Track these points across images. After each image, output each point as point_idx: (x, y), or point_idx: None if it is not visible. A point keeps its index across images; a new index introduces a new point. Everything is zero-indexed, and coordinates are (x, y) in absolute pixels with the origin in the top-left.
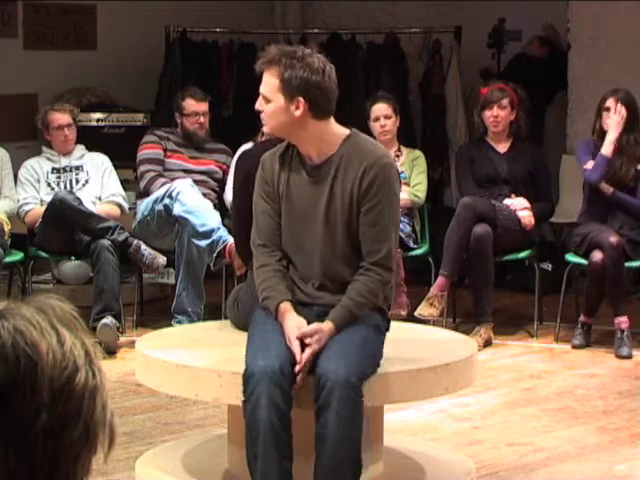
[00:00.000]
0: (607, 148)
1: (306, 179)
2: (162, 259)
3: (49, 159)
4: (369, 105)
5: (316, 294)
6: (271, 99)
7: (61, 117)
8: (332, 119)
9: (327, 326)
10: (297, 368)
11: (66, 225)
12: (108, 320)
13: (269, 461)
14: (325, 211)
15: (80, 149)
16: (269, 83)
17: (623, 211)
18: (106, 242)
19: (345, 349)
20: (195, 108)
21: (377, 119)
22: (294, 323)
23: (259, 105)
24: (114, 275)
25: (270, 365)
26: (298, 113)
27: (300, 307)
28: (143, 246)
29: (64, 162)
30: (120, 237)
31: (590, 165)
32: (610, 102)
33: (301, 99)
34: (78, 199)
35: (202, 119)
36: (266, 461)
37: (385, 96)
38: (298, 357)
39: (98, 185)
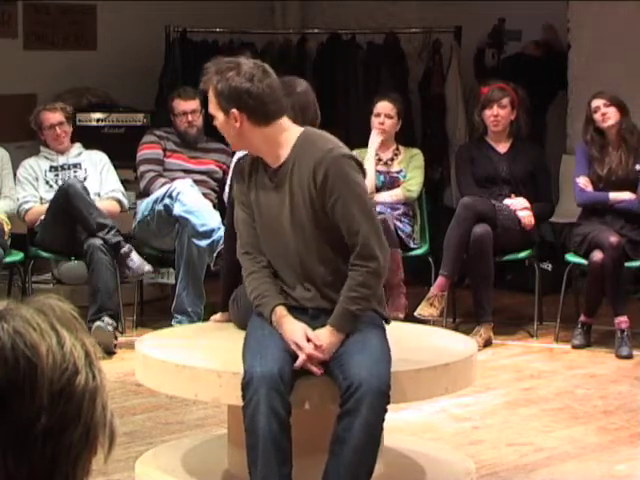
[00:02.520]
0: (617, 196)
1: (269, 185)
2: (148, 266)
3: (47, 158)
4: (375, 100)
5: (304, 296)
6: (216, 116)
7: (52, 116)
8: (283, 120)
9: (327, 333)
10: (297, 364)
11: (67, 220)
12: (102, 322)
13: (269, 467)
14: (290, 214)
15: (77, 147)
16: (210, 101)
17: (624, 214)
18: (98, 242)
19: (374, 357)
20: (183, 107)
21: (378, 115)
22: (296, 326)
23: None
24: (108, 274)
25: (269, 370)
26: (237, 125)
27: (292, 311)
28: (134, 252)
29: (62, 160)
30: (113, 239)
31: (582, 181)
32: (596, 102)
33: (234, 111)
34: (86, 189)
35: (190, 117)
36: (266, 467)
37: (393, 96)
38: (306, 353)
39: (97, 182)
